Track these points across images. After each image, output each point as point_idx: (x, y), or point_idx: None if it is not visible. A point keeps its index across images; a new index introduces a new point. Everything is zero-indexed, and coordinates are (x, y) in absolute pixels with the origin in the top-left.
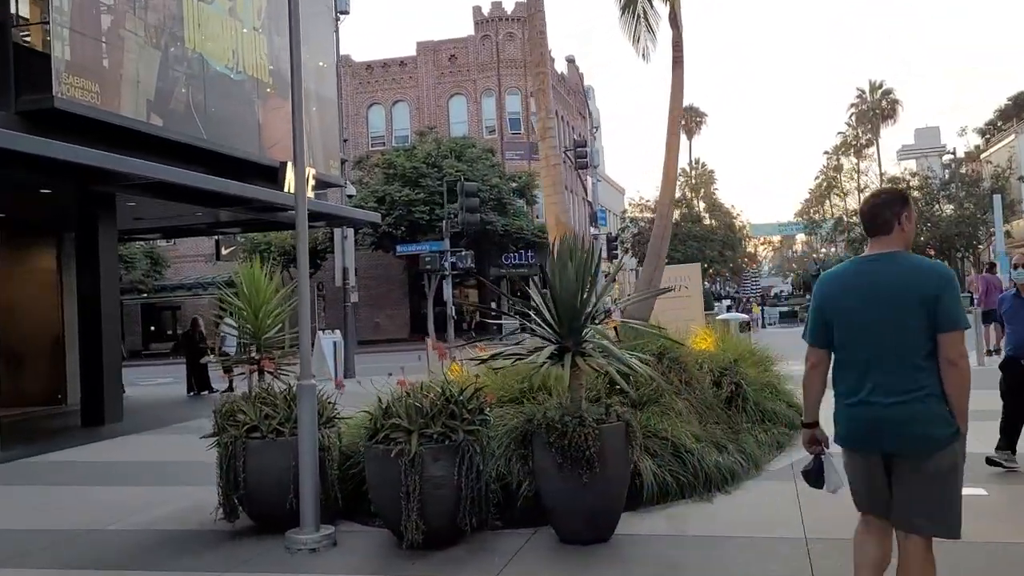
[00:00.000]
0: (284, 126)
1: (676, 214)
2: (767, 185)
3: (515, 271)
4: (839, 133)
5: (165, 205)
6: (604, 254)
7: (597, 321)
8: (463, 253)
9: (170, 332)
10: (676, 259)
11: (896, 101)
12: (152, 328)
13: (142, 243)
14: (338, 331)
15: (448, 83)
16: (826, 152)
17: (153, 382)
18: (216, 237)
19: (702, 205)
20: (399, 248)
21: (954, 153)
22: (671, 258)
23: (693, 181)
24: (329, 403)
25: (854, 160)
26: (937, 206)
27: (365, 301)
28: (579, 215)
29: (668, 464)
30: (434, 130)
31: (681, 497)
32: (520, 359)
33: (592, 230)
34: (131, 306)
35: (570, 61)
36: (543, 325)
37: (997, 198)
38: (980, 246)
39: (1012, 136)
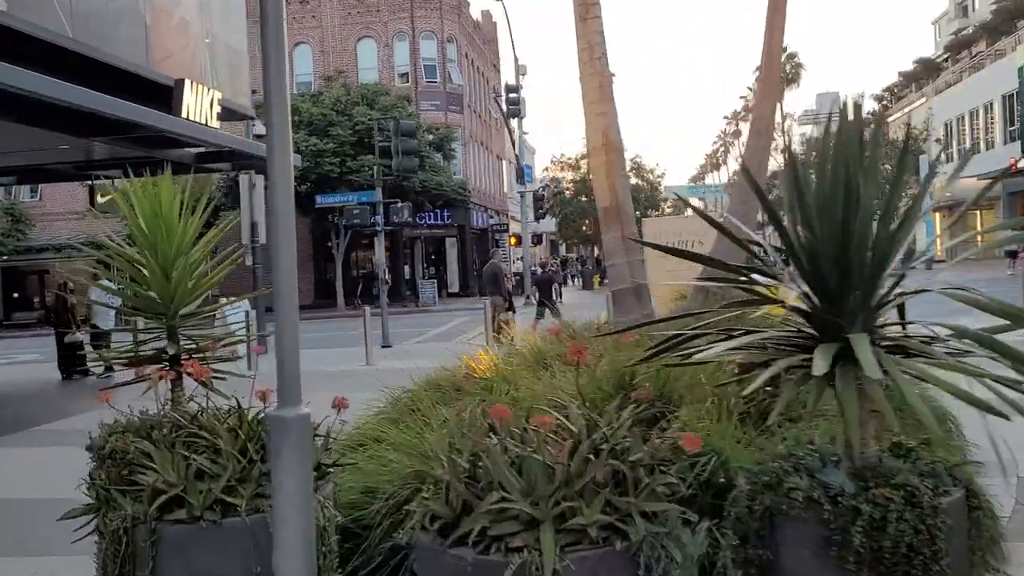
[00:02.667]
0: (179, 35)
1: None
2: (671, 149)
3: (431, 231)
4: (741, 97)
5: (15, 131)
6: (531, 216)
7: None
8: (399, 205)
9: (37, 299)
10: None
11: (800, 65)
12: (15, 295)
13: None
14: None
15: (356, 24)
16: (725, 117)
17: (14, 359)
18: (89, 183)
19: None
20: (320, 199)
21: (874, 114)
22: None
23: None
24: (316, 433)
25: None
26: None
27: (265, 263)
28: (495, 173)
29: None
30: (343, 74)
31: None
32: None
33: (518, 187)
34: None
35: None
36: (807, 288)
37: (924, 158)
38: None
39: (923, 99)
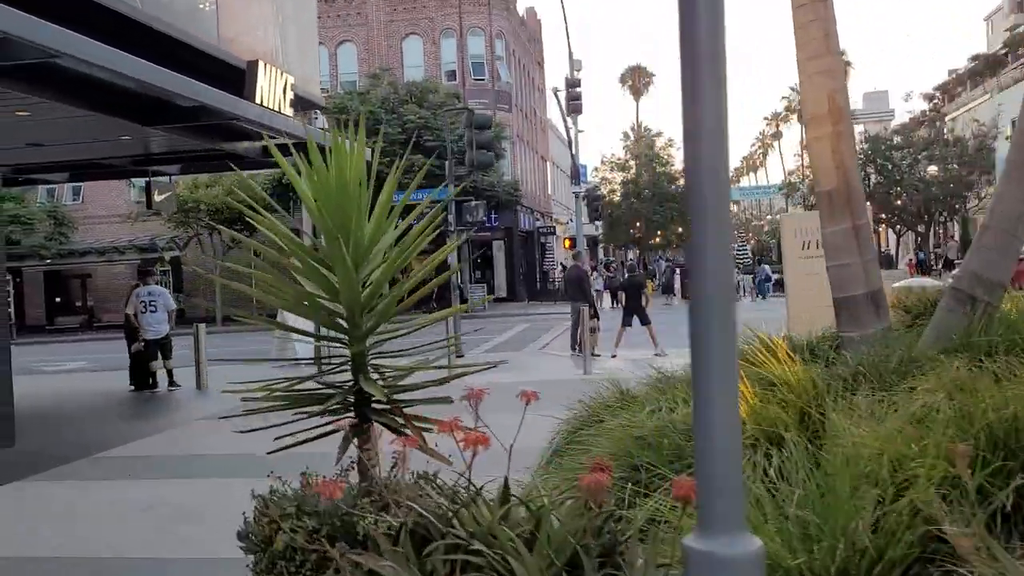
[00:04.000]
0: (251, 11)
1: (647, 174)
2: None
3: (478, 234)
4: (783, 98)
5: (74, 119)
6: (585, 217)
7: None
8: (474, 203)
9: (79, 304)
10: (656, 222)
11: (848, 63)
12: (58, 299)
13: (42, 201)
14: None
15: (402, 21)
16: (766, 118)
17: (62, 367)
18: (146, 180)
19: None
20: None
21: (935, 112)
22: (650, 222)
23: (636, 144)
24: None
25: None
26: (919, 167)
27: None
28: (540, 174)
29: None
30: (389, 71)
31: None
32: None
33: (573, 188)
34: (32, 274)
35: None
36: None
37: (1000, 156)
38: (967, 207)
39: (987, 95)
